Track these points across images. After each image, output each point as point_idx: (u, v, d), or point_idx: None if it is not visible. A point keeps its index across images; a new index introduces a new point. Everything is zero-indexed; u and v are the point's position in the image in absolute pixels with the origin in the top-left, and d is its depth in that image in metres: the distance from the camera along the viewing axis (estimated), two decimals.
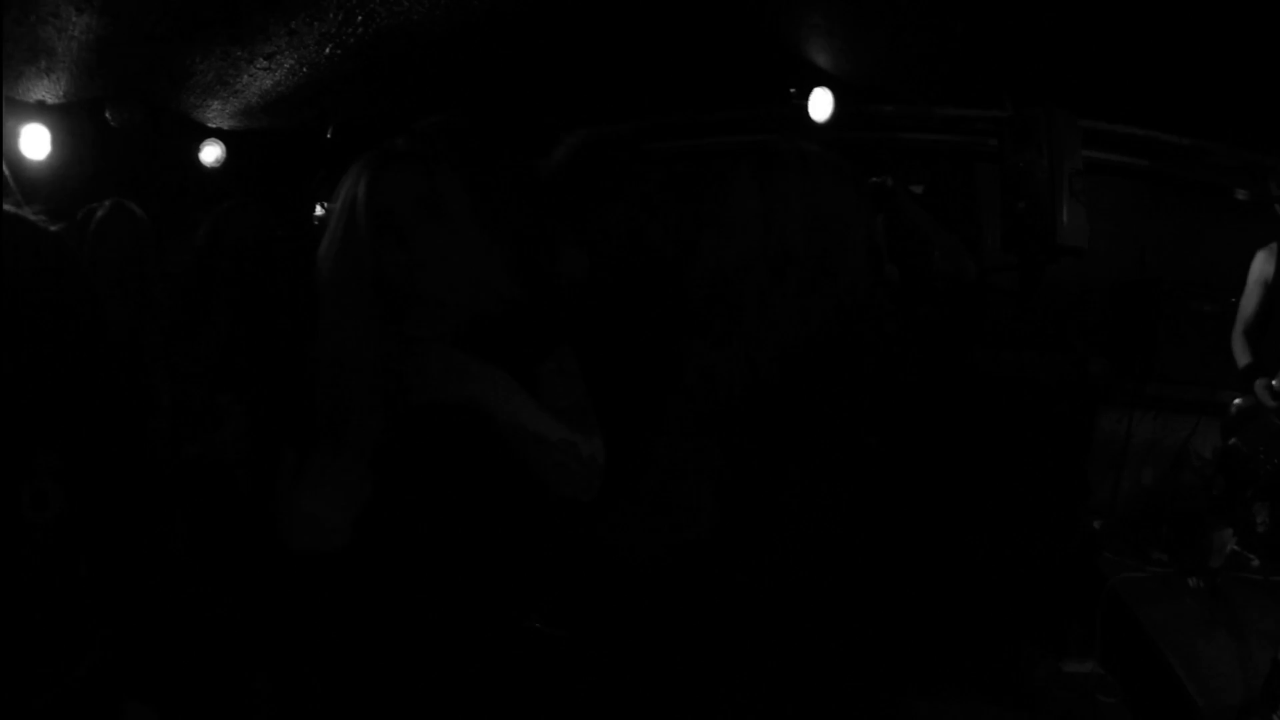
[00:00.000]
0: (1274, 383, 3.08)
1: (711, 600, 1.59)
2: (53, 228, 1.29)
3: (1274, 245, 3.28)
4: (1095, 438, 4.88)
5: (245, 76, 4.00)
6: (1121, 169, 5.13)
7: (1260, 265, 3.32)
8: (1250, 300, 3.34)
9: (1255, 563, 4.61)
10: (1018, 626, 3.47)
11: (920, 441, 4.40)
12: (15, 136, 4.36)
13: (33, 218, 1.27)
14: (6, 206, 1.39)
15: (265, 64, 3.86)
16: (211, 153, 5.16)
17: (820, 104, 4.43)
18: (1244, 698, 2.95)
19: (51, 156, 4.51)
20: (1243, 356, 3.30)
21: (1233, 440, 3.23)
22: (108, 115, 4.69)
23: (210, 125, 4.88)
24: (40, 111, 4.68)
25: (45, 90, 4.31)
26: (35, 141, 4.45)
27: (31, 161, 4.45)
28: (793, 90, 4.49)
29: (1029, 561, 4.06)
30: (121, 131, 4.80)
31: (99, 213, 2.53)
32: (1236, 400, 3.30)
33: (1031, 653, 3.28)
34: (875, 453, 1.64)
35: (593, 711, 1.64)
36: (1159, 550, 4.39)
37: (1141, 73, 4.46)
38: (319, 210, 3.61)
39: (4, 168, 3.76)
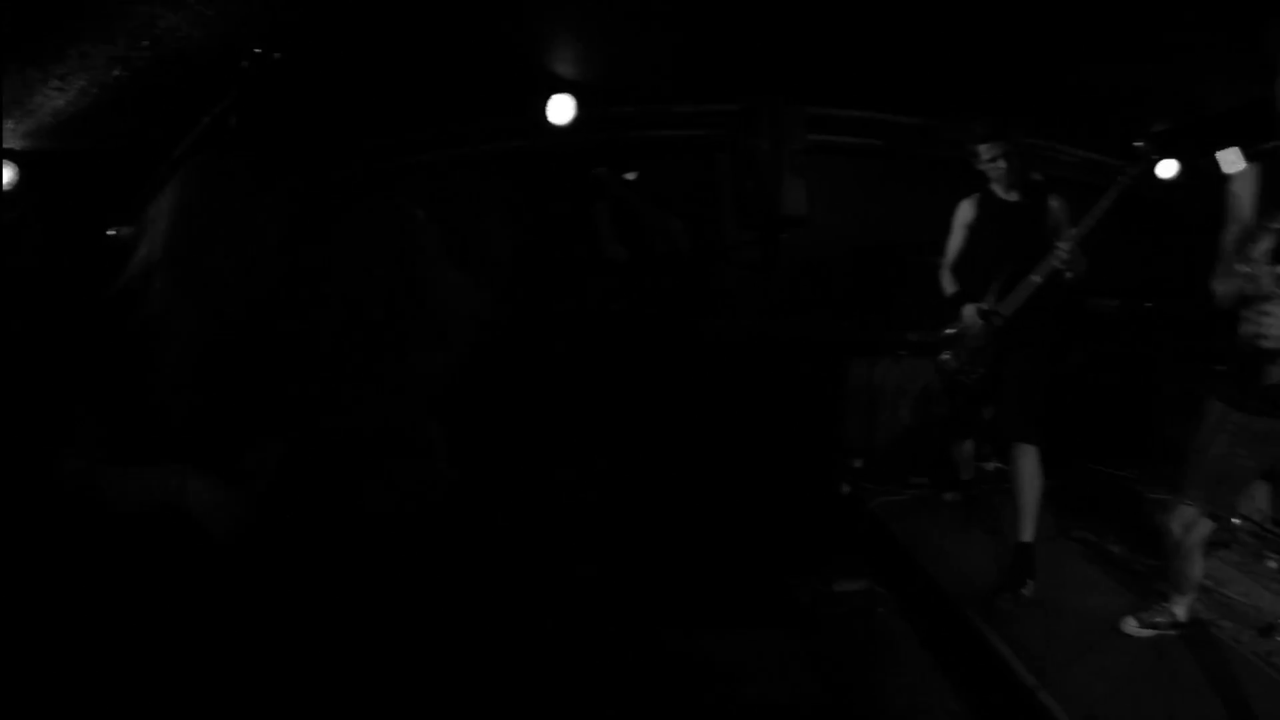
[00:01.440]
0: (981, 306, 3.56)
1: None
2: None
3: (975, 195, 3.80)
4: (849, 387, 5.40)
5: (38, 97, 3.84)
6: (860, 149, 5.72)
7: (963, 212, 3.86)
8: (955, 241, 3.88)
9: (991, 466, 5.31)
10: (788, 560, 3.79)
11: (670, 404, 4.79)
12: None
13: None
14: None
15: (59, 84, 3.72)
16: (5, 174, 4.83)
17: (560, 109, 4.66)
18: (995, 583, 3.39)
19: None
20: (950, 287, 3.82)
21: (944, 357, 3.66)
22: None
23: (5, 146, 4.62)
24: None
25: None
26: None
27: None
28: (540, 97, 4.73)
29: (794, 503, 4.47)
30: None
31: None
32: (948, 329, 3.74)
33: (796, 579, 3.59)
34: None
35: None
36: (919, 476, 4.95)
37: (875, 64, 4.94)
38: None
39: None
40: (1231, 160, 5.43)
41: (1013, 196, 3.61)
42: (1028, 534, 3.43)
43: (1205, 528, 2.68)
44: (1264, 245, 2.26)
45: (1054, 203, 3.54)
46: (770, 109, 4.80)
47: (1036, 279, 3.30)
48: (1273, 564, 3.61)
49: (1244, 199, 2.40)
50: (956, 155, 3.85)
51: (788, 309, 5.41)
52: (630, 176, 5.25)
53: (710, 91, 5.20)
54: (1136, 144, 3.11)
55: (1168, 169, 5.64)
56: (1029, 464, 3.42)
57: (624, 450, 4.56)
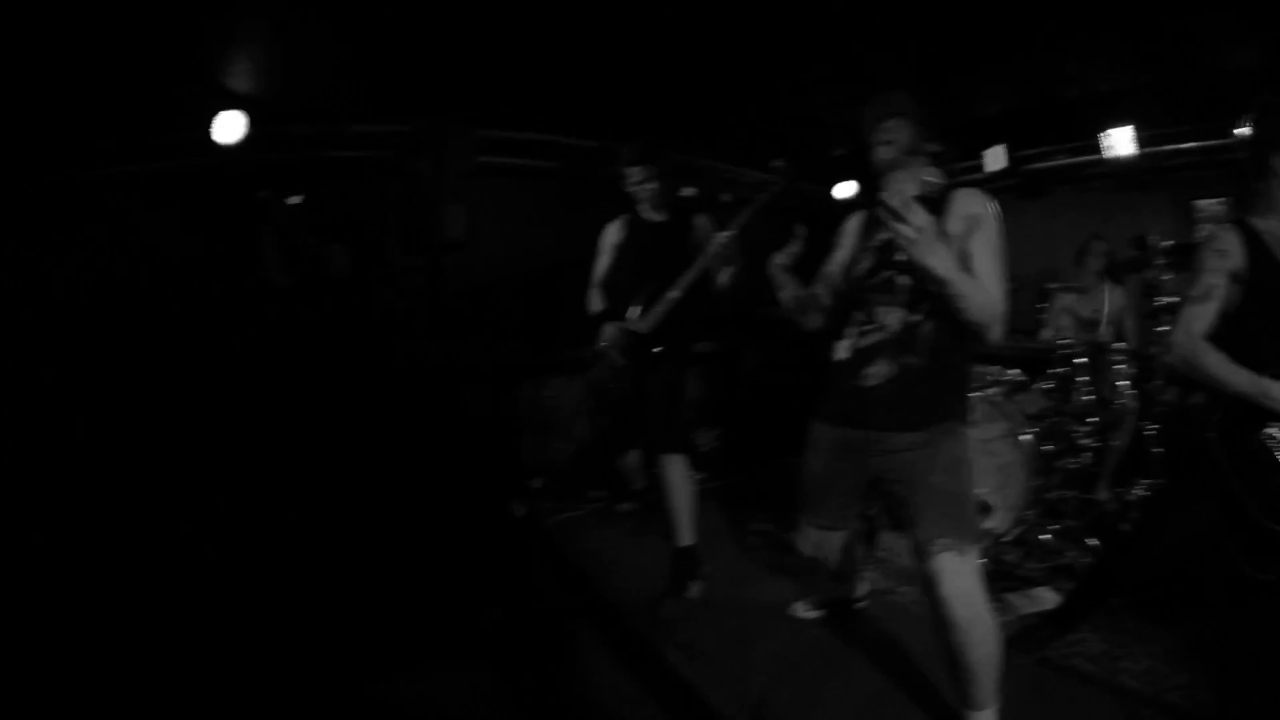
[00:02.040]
0: (622, 324, 3.62)
1: None
2: None
3: (624, 217, 3.87)
4: (524, 408, 5.39)
5: None
6: (537, 171, 5.74)
7: (610, 233, 3.90)
8: (603, 261, 3.90)
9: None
10: (474, 589, 3.67)
11: (341, 435, 4.53)
12: None
13: None
14: None
15: None
16: None
17: (228, 127, 4.21)
18: (662, 589, 3.47)
19: None
20: (597, 306, 3.85)
21: (591, 374, 3.74)
22: None
23: None
24: None
25: None
26: None
27: None
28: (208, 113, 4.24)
29: (478, 529, 4.36)
30: None
31: None
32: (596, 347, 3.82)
33: (484, 607, 3.47)
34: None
35: None
36: (597, 490, 5.01)
37: (554, 87, 4.99)
38: None
39: None
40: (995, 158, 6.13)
41: (659, 216, 3.72)
42: (686, 538, 3.54)
43: (838, 538, 2.80)
44: (864, 264, 2.51)
45: (699, 221, 3.67)
46: (434, 131, 4.70)
47: (675, 294, 3.40)
48: None
49: (851, 229, 2.71)
50: None
51: (461, 332, 5.28)
52: (295, 200, 4.87)
53: (389, 111, 5.00)
54: (776, 163, 3.33)
55: (845, 190, 6.26)
56: (676, 472, 3.51)
57: (291, 486, 4.24)
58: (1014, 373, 4.40)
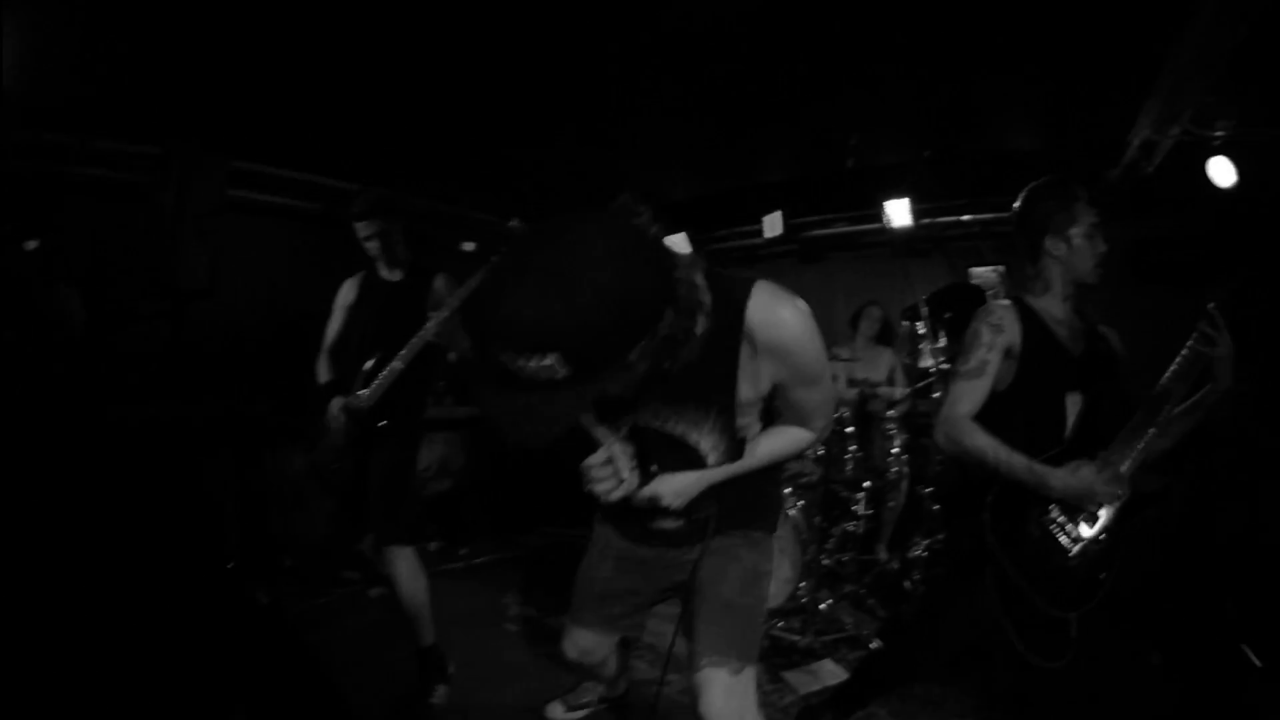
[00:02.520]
0: (346, 400, 3.18)
1: None
2: None
3: (360, 274, 3.47)
4: (276, 475, 4.78)
5: None
6: (296, 211, 5.24)
7: (344, 293, 3.48)
8: (334, 323, 3.46)
9: (433, 546, 5.16)
10: (204, 689, 3.04)
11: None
12: None
13: None
14: None
15: None
16: None
17: None
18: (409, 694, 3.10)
19: None
20: (323, 375, 3.38)
21: (314, 453, 3.31)
22: None
23: None
24: None
25: None
26: None
27: None
28: None
29: (211, 622, 3.69)
30: None
31: None
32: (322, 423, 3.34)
33: (216, 711, 2.87)
34: None
35: None
36: (351, 570, 4.47)
37: (320, 120, 4.58)
38: None
39: None
40: (679, 244, 6.08)
41: (395, 276, 3.35)
42: (427, 638, 3.17)
43: (609, 644, 2.42)
44: None
45: (438, 283, 3.30)
46: (180, 157, 4.12)
47: (399, 365, 3.04)
48: None
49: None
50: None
51: (203, 391, 4.63)
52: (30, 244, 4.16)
53: (144, 129, 4.43)
54: (512, 224, 3.03)
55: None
56: (405, 567, 3.09)
57: None
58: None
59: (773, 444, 1.91)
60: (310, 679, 3.28)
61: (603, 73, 4.08)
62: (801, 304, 1.70)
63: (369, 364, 3.10)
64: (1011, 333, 2.32)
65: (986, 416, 2.27)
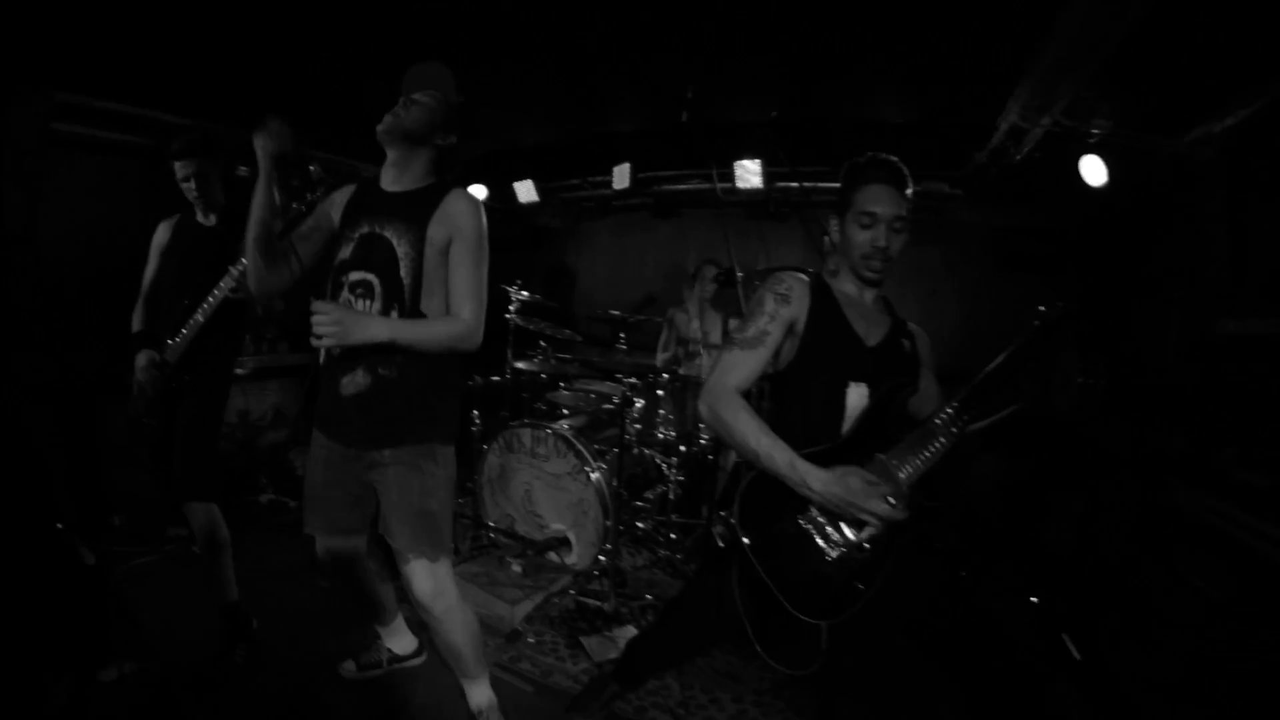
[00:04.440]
0: (151, 352, 3.13)
1: None
2: None
3: (175, 217, 3.34)
4: (105, 430, 4.66)
5: None
6: (126, 147, 4.90)
7: (159, 235, 3.35)
8: (150, 269, 3.34)
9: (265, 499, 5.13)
10: (44, 654, 3.02)
11: None
12: None
13: None
14: None
15: None
16: None
17: None
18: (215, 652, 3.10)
19: None
20: (136, 324, 3.27)
21: (128, 406, 3.22)
22: None
23: None
24: None
25: None
26: None
27: None
28: None
29: (41, 580, 3.64)
30: None
31: None
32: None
33: (53, 675, 2.85)
34: None
35: None
36: (179, 527, 4.40)
37: (154, 53, 4.30)
38: None
39: None
40: (525, 190, 6.05)
41: (209, 221, 3.27)
42: (229, 594, 3.20)
43: (354, 558, 2.67)
44: (343, 256, 2.33)
45: None
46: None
47: (200, 318, 3.00)
48: (516, 568, 3.86)
49: (337, 205, 2.47)
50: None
51: (27, 342, 4.44)
52: None
53: None
54: (313, 167, 2.93)
55: (478, 193, 6.02)
56: (203, 521, 3.11)
57: None
58: (611, 402, 4.36)
59: (440, 325, 2.28)
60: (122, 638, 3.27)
61: (451, 13, 3.94)
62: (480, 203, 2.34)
63: (177, 314, 3.06)
64: (798, 306, 2.17)
65: (755, 398, 2.24)
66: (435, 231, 2.26)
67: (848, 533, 2.01)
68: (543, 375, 4.51)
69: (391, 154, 2.37)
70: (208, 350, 3.10)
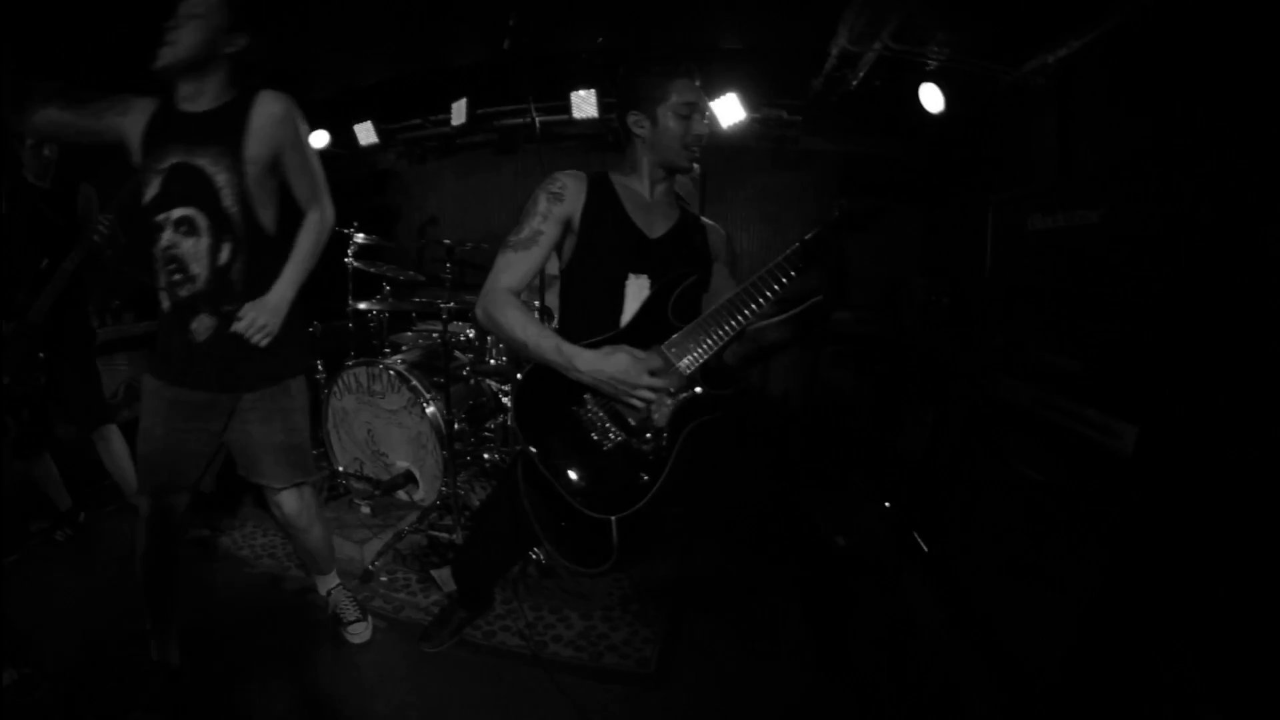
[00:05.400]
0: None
1: None
2: None
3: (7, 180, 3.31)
4: None
5: None
6: None
7: None
8: None
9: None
10: None
11: None
12: None
13: None
14: None
15: None
16: None
17: None
18: None
19: None
20: None
21: None
22: None
23: None
24: None
25: None
26: None
27: None
28: None
29: None
30: None
31: None
32: None
33: None
34: None
35: None
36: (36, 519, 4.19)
37: None
38: None
39: None
40: (365, 132, 5.88)
41: (41, 183, 3.28)
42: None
43: (183, 503, 2.43)
44: (152, 189, 2.12)
45: (84, 190, 3.36)
46: None
47: (60, 280, 3.15)
48: (365, 510, 3.84)
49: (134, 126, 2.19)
50: None
51: None
52: None
53: None
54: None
55: (320, 139, 5.92)
56: (111, 438, 3.57)
57: None
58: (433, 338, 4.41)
59: (307, 238, 2.30)
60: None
61: None
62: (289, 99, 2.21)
63: (29, 276, 3.14)
64: (572, 203, 2.15)
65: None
66: (254, 150, 2.12)
67: (626, 419, 2.04)
68: (378, 313, 4.44)
69: (183, 85, 2.15)
70: (74, 308, 3.31)
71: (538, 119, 5.27)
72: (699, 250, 2.30)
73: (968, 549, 3.01)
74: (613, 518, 2.01)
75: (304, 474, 2.55)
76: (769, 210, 5.60)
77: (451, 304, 3.62)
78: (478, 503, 3.86)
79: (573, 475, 2.00)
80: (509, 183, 6.08)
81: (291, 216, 2.31)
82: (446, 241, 4.04)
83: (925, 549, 3.32)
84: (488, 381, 4.24)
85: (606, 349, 1.97)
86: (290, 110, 2.19)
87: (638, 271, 2.15)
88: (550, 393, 2.03)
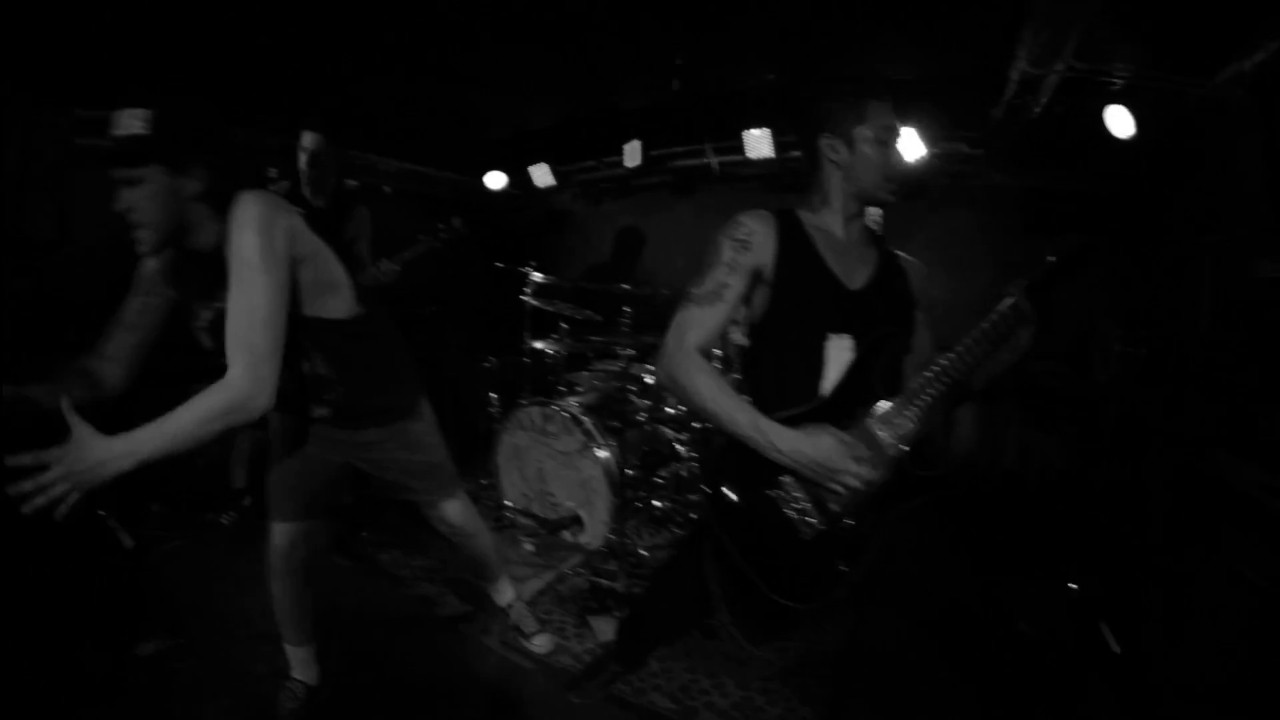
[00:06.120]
0: None
1: None
2: None
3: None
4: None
5: None
6: None
7: None
8: None
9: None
10: (80, 632, 3.20)
11: None
12: None
13: None
14: None
15: None
16: None
17: None
18: None
19: None
20: None
21: None
22: None
23: None
24: None
25: None
26: None
27: None
28: None
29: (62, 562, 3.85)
30: None
31: None
32: None
33: (92, 652, 3.05)
34: None
35: None
36: (215, 510, 4.57)
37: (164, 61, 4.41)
38: None
39: None
40: (541, 174, 6.05)
41: (319, 202, 3.64)
42: None
43: (316, 537, 2.53)
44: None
45: (358, 211, 3.69)
46: (20, 107, 4.07)
47: None
48: (528, 547, 3.92)
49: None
50: None
51: (64, 342, 4.60)
52: None
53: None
54: (454, 221, 3.10)
55: (496, 180, 6.12)
56: None
57: None
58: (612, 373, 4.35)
59: (184, 412, 1.69)
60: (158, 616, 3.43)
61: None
62: (255, 206, 1.79)
63: None
64: (761, 251, 1.92)
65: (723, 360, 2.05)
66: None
67: (826, 503, 1.83)
68: (555, 352, 4.50)
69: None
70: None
71: (714, 160, 5.24)
72: (902, 299, 2.07)
73: (1168, 658, 2.59)
74: (801, 607, 1.85)
75: (453, 484, 2.68)
76: (952, 254, 5.24)
77: (631, 350, 3.62)
78: (643, 550, 3.81)
79: (765, 559, 1.84)
80: (687, 224, 6.00)
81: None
82: (625, 286, 4.06)
83: (1115, 648, 2.90)
84: (663, 428, 4.21)
85: (810, 429, 1.78)
86: (244, 213, 1.82)
87: (838, 331, 1.92)
88: (745, 469, 1.84)
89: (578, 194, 6.57)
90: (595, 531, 3.83)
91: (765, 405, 1.83)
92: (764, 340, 2.00)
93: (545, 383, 4.56)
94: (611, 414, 3.97)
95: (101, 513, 4.10)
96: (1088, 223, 4.59)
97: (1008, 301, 1.86)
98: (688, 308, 1.91)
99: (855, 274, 1.98)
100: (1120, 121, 3.76)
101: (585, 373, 4.64)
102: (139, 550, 4.22)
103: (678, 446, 4.17)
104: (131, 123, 1.74)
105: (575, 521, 3.85)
